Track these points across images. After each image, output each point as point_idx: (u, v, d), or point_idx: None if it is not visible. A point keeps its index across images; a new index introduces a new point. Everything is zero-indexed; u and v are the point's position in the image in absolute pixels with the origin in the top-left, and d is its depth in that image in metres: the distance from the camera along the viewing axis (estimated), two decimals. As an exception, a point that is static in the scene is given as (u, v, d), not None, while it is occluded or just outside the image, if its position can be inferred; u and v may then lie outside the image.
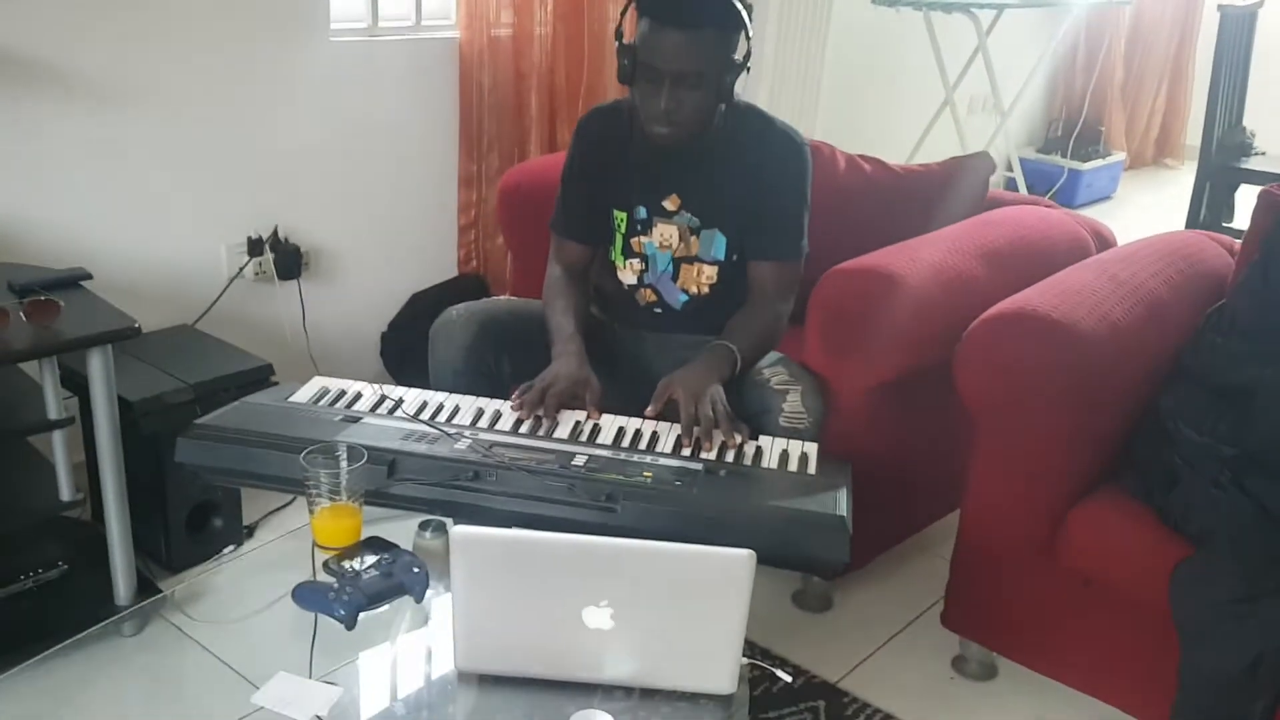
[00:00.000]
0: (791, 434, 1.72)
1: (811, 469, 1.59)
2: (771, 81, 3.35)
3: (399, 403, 1.68)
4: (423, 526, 1.51)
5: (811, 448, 1.66)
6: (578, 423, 1.68)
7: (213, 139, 2.34)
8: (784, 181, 1.86)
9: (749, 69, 1.78)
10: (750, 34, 1.77)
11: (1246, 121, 3.91)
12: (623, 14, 1.80)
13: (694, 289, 1.94)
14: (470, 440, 1.55)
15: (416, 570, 1.34)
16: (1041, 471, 1.71)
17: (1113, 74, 5.38)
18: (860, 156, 2.38)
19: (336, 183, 2.58)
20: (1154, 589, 1.53)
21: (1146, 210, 5.11)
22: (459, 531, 1.12)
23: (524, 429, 1.64)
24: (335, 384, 1.75)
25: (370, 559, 1.39)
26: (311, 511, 1.43)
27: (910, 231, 2.08)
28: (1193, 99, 5.75)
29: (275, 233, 2.46)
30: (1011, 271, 1.93)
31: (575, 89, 2.87)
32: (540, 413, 1.66)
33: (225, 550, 2.14)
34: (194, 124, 2.31)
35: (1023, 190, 4.28)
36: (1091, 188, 5.03)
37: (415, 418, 1.63)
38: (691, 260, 1.91)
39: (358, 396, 1.71)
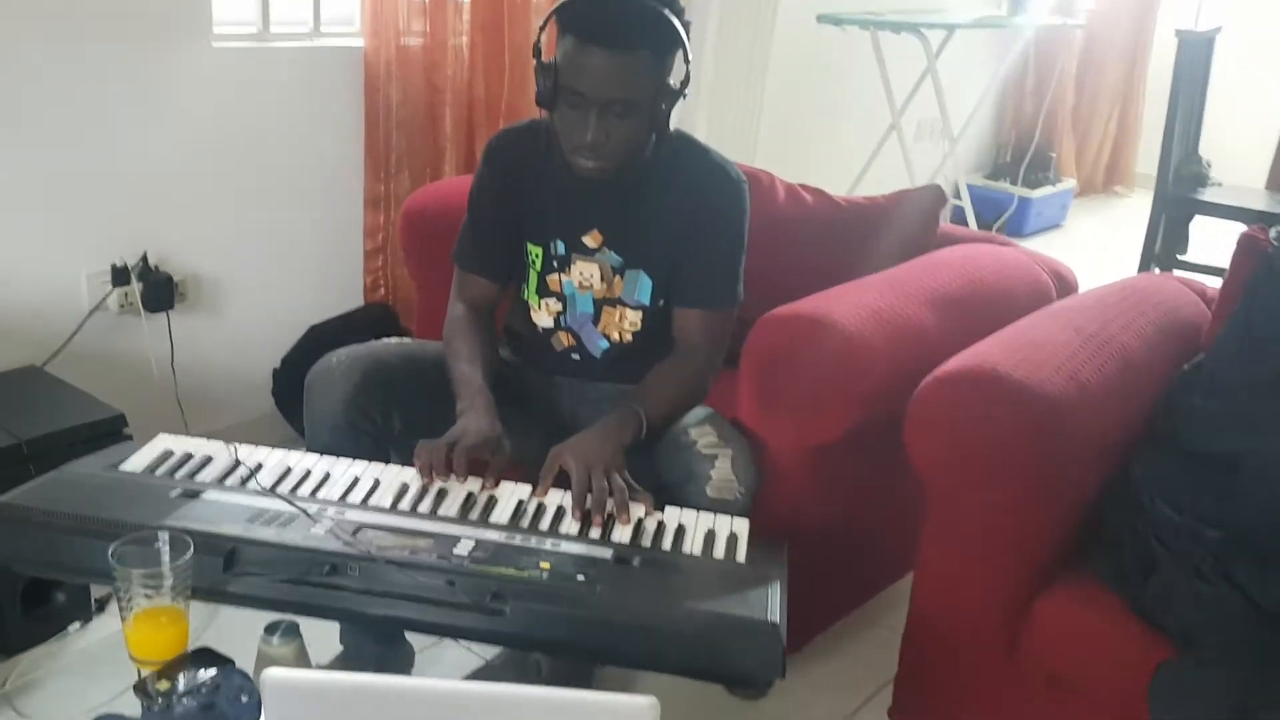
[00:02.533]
0: (720, 506, 1.50)
1: (741, 555, 1.37)
2: (710, 103, 3.14)
3: (254, 471, 1.42)
4: (270, 629, 1.25)
5: (742, 526, 1.43)
6: (470, 495, 1.43)
7: (73, 154, 2.06)
8: (719, 222, 1.66)
9: (686, 95, 1.56)
10: (689, 56, 1.55)
11: (1203, 151, 3.78)
12: (542, 28, 1.56)
13: (616, 335, 1.72)
14: (332, 522, 1.30)
15: (245, 699, 1.08)
16: (1001, 552, 1.50)
17: (1064, 99, 5.27)
18: (802, 186, 2.18)
19: (220, 204, 2.31)
20: (1132, 694, 1.32)
21: (1098, 239, 4.99)
22: (271, 677, 0.86)
23: (404, 504, 1.40)
24: (183, 445, 1.49)
25: (194, 679, 1.13)
26: (124, 617, 1.17)
27: (854, 269, 1.88)
28: (1144, 125, 5.66)
29: (144, 259, 2.18)
30: (965, 320, 1.73)
31: (495, 105, 2.63)
32: (450, 473, 1.44)
33: (70, 628, 1.86)
34: (51, 136, 2.02)
35: (971, 218, 4.12)
36: (1041, 216, 4.90)
37: (270, 491, 1.37)
38: (614, 303, 1.70)
39: (206, 461, 1.45)
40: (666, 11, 1.49)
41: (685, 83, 1.56)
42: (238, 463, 1.45)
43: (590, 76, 1.46)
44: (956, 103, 4.03)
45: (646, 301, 1.69)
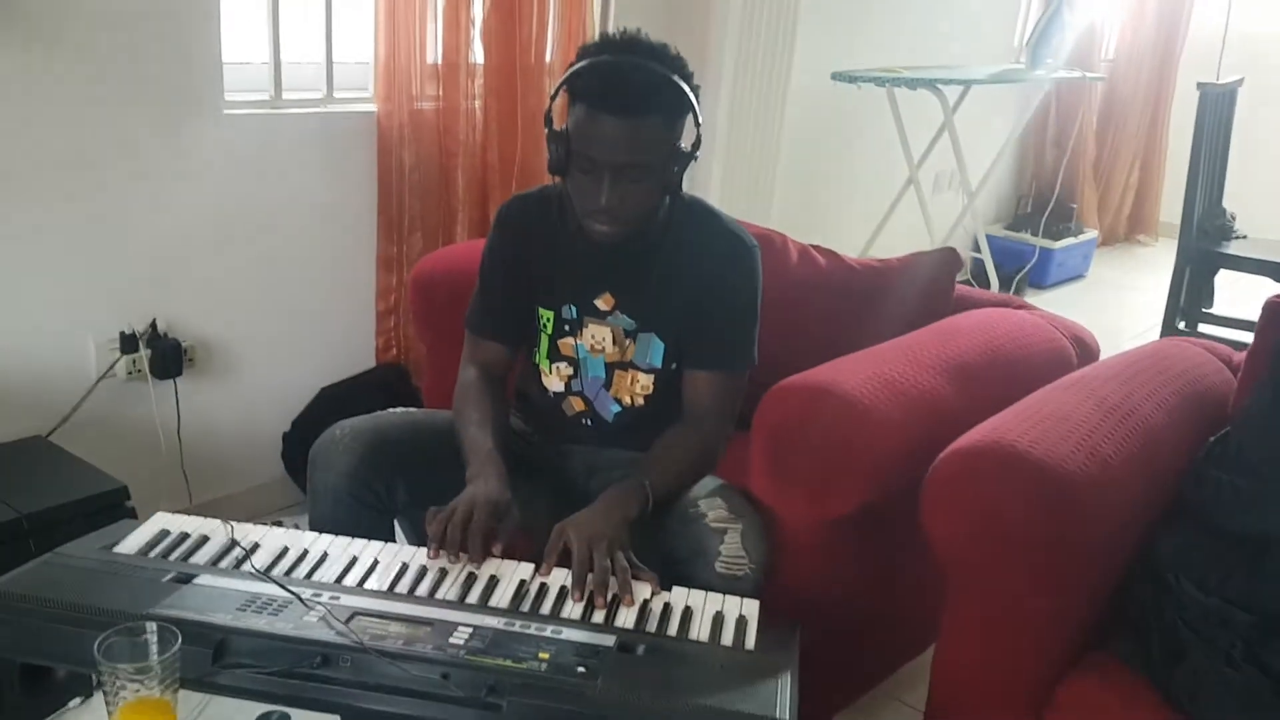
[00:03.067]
0: (730, 583, 1.46)
1: (750, 642, 1.31)
2: (724, 162, 3.13)
3: (249, 552, 1.39)
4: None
5: (752, 608, 1.38)
6: (472, 575, 1.40)
7: (83, 221, 2.06)
8: (732, 287, 1.65)
9: (698, 157, 1.57)
10: (700, 119, 1.56)
11: (1226, 203, 3.73)
12: (553, 97, 1.57)
13: (627, 399, 1.71)
14: (326, 609, 1.26)
15: (229, 801, 1.04)
16: (1022, 633, 1.44)
17: (1085, 149, 5.24)
18: (814, 248, 2.15)
19: (231, 269, 2.30)
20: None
21: (1121, 291, 4.93)
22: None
23: (402, 586, 1.36)
24: (179, 524, 1.47)
25: (179, 777, 1.09)
26: (110, 711, 1.14)
27: (867, 333, 1.85)
28: (1166, 174, 5.63)
29: (153, 326, 2.17)
30: (983, 390, 1.69)
31: (508, 168, 2.63)
32: (465, 554, 1.41)
33: (71, 704, 1.82)
34: (61, 203, 2.03)
35: (991, 271, 4.08)
36: (1063, 267, 4.85)
37: (264, 574, 1.34)
38: (626, 366, 1.69)
39: (203, 541, 1.42)
40: (675, 77, 1.50)
41: (696, 145, 1.57)
42: (234, 543, 1.42)
43: (602, 143, 1.47)
44: (975, 156, 4.01)
45: (658, 364, 1.68)
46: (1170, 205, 5.58)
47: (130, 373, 2.16)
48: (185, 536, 1.43)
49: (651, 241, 1.62)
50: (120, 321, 2.14)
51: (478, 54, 2.54)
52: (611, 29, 2.81)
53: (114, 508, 1.77)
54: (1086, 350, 1.98)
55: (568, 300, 1.68)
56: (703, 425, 1.66)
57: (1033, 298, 4.58)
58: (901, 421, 1.59)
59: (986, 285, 4.04)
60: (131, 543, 1.41)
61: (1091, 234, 5.10)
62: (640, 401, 1.70)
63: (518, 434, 1.78)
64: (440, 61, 2.48)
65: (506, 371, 1.76)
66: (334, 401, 2.52)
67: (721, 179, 3.13)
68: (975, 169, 4.01)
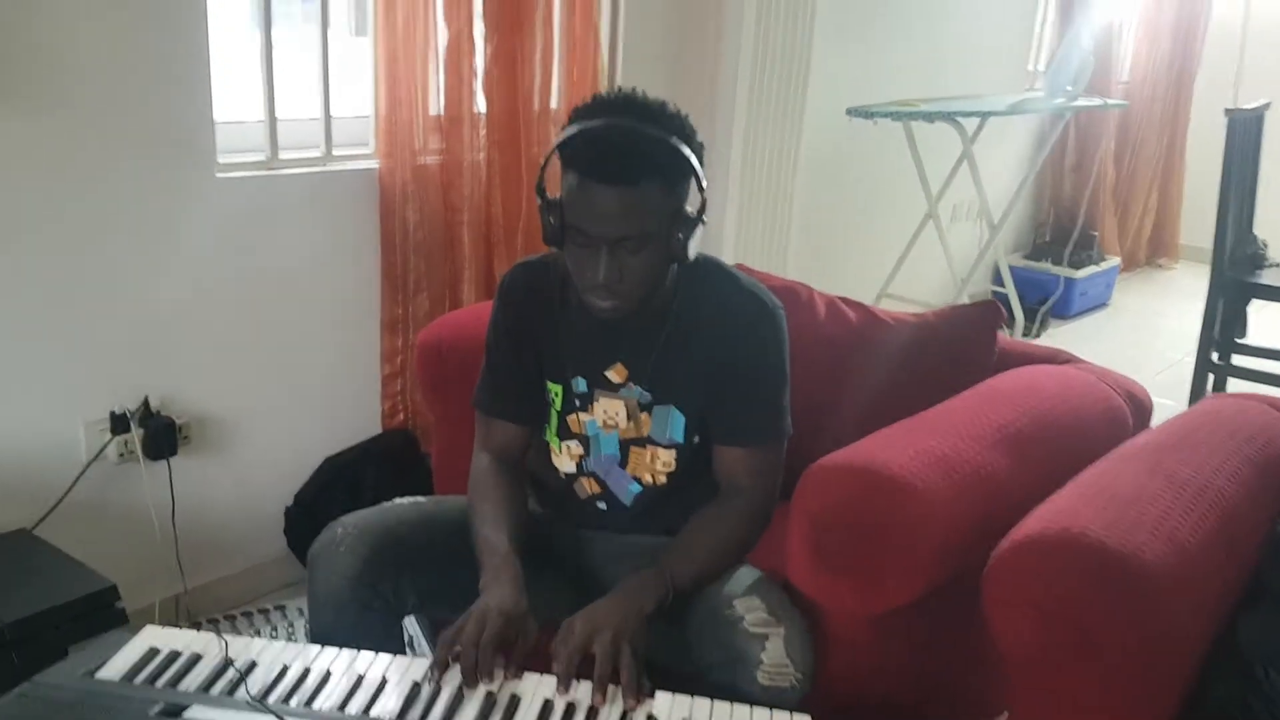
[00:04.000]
0: (775, 694, 1.33)
1: (801, 770, 1.18)
2: (740, 203, 3.02)
3: (244, 674, 1.26)
4: None
5: (801, 728, 1.25)
6: (490, 695, 1.27)
7: (68, 293, 1.95)
8: (756, 354, 1.52)
9: (705, 222, 1.43)
10: (704, 182, 1.42)
11: (1257, 230, 3.61)
12: (544, 166, 1.45)
13: (648, 478, 1.58)
14: (331, 745, 1.13)
15: None
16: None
17: (1104, 176, 5.13)
18: (843, 300, 2.03)
19: (227, 339, 2.19)
20: None
21: (1147, 318, 4.80)
22: None
23: (414, 713, 1.23)
24: (169, 640, 1.34)
25: None
26: None
27: (903, 396, 1.73)
28: (1185, 196, 5.52)
29: (145, 403, 2.05)
30: (1039, 461, 1.56)
31: (513, 222, 2.52)
32: (480, 677, 1.27)
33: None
34: (44, 274, 1.92)
35: (1016, 305, 3.96)
36: (1086, 296, 4.73)
37: (261, 703, 1.21)
38: (643, 443, 1.56)
39: (194, 661, 1.29)
40: (674, 139, 1.37)
41: (702, 210, 1.43)
42: (228, 663, 1.29)
43: (597, 214, 1.35)
44: (995, 185, 3.90)
45: (680, 439, 1.55)
46: (1190, 227, 5.47)
47: (122, 454, 2.04)
48: (175, 656, 1.30)
49: (663, 308, 1.51)
50: (110, 400, 2.02)
51: (481, 104, 2.44)
52: (619, 72, 2.71)
53: (104, 610, 1.65)
54: (1140, 407, 1.85)
55: (576, 373, 1.56)
56: (738, 502, 1.53)
57: (1056, 329, 4.46)
58: (955, 502, 1.46)
59: (1010, 319, 3.92)
60: (117, 665, 1.28)
61: (1113, 261, 4.98)
62: (662, 480, 1.58)
63: (536, 518, 1.65)
64: (443, 114, 2.37)
65: (524, 453, 1.64)
66: (338, 472, 2.41)
67: (737, 219, 3.03)
68: (994, 197, 3.90)
